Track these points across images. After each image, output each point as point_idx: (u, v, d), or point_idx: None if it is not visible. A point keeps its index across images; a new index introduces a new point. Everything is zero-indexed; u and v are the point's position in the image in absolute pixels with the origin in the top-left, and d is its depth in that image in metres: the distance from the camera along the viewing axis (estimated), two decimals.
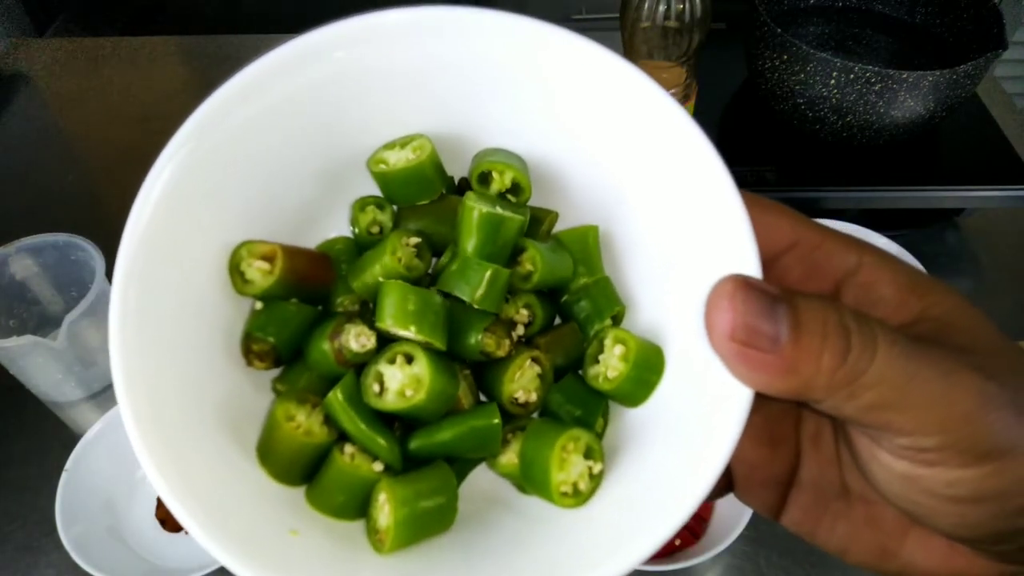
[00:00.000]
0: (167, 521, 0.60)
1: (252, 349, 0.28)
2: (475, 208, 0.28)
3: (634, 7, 0.69)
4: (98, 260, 0.60)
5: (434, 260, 0.32)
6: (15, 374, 0.60)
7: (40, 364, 0.59)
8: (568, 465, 0.27)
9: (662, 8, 0.68)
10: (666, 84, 0.74)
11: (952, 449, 0.21)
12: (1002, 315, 0.76)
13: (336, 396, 0.27)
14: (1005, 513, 0.22)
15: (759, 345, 0.21)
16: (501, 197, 0.30)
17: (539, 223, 0.31)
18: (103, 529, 0.58)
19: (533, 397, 0.29)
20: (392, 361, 0.28)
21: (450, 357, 0.29)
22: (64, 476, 0.57)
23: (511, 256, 0.30)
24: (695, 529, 0.57)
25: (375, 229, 0.31)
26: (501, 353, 0.29)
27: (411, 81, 0.28)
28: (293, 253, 0.29)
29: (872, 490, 0.26)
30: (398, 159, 0.30)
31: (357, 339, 0.28)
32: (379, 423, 0.28)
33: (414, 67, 0.28)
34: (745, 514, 0.54)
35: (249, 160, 0.27)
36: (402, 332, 0.27)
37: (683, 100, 0.74)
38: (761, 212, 0.24)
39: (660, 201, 0.28)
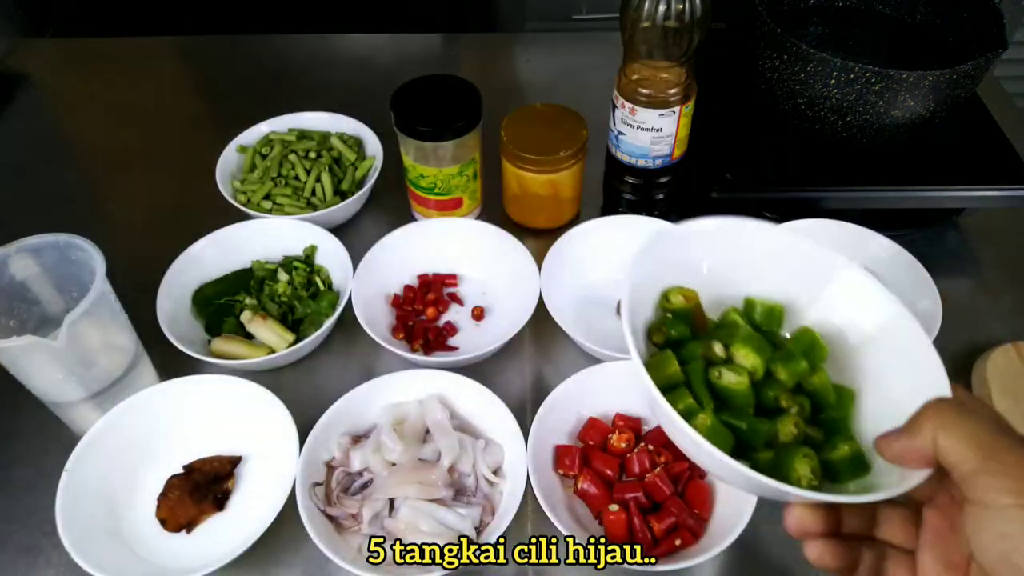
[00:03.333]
0: (167, 521, 0.60)
1: None
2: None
3: (634, 7, 0.69)
4: (98, 260, 0.60)
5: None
6: (15, 374, 0.60)
7: (40, 364, 0.59)
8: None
9: (662, 8, 0.68)
10: (666, 84, 0.74)
11: None
12: (1002, 315, 0.76)
13: None
14: None
15: None
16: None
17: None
18: (103, 529, 0.58)
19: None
20: None
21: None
22: (64, 476, 0.57)
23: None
24: (695, 529, 0.57)
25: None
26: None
27: None
28: None
29: None
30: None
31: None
32: None
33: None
34: (745, 514, 0.54)
35: None
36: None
37: (683, 100, 0.74)
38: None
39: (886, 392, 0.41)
